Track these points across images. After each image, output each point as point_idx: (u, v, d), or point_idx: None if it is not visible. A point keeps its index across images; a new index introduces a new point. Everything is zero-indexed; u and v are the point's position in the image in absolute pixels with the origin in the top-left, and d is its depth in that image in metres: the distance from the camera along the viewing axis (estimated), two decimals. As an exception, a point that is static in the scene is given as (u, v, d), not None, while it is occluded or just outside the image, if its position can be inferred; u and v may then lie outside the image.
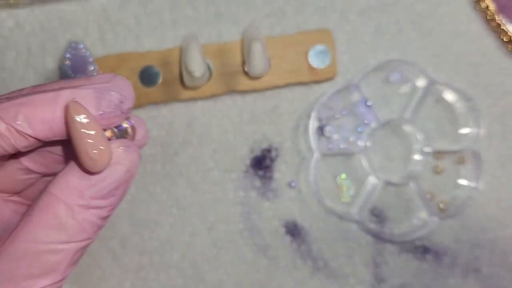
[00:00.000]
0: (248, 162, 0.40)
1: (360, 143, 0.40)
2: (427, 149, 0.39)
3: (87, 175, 0.21)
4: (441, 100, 0.40)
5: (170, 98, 0.38)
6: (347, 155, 0.40)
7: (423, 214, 0.40)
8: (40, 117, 0.20)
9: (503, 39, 0.40)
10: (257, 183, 0.40)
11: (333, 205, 0.40)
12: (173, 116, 0.39)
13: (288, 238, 0.40)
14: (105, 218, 0.22)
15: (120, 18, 0.39)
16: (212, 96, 0.39)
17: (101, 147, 0.20)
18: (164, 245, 0.39)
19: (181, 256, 0.39)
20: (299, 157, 0.40)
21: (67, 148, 0.24)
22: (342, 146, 0.40)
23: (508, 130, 0.40)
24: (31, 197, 0.28)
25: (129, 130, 0.23)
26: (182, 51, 0.38)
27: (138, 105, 0.38)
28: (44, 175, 0.27)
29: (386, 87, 0.40)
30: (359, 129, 0.40)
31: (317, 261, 0.40)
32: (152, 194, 0.39)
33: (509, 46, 0.40)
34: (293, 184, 0.40)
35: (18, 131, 0.20)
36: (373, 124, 0.39)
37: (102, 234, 0.39)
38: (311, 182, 0.39)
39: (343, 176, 0.40)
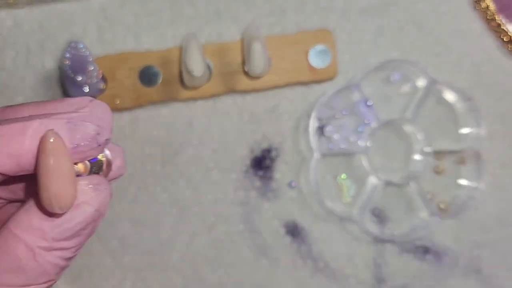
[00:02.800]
0: (248, 162, 0.40)
1: (361, 143, 0.40)
2: (428, 149, 0.40)
3: (52, 215, 0.19)
4: (441, 100, 0.40)
5: (170, 98, 0.38)
6: (347, 155, 0.40)
7: (424, 214, 0.40)
8: (7, 152, 0.18)
9: (503, 39, 0.40)
10: (257, 183, 0.40)
11: (333, 205, 0.40)
12: (173, 116, 0.39)
13: (288, 239, 0.40)
14: (69, 258, 0.20)
15: (119, 17, 0.39)
16: (212, 96, 0.39)
17: (66, 188, 0.19)
18: (164, 245, 0.39)
19: (181, 256, 0.39)
20: (299, 157, 0.40)
21: (32, 181, 0.21)
22: (342, 146, 0.40)
23: (508, 130, 0.40)
24: None
25: (104, 163, 0.21)
26: (182, 51, 0.38)
27: (137, 105, 0.38)
28: (10, 201, 0.24)
29: (386, 87, 0.40)
30: (359, 129, 0.40)
31: (317, 262, 0.40)
32: (152, 194, 0.39)
33: (509, 46, 0.40)
34: (293, 184, 0.40)
35: None
36: (374, 124, 0.39)
37: (102, 234, 0.39)
38: (311, 182, 0.39)
39: (344, 176, 0.40)
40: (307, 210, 0.40)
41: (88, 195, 0.20)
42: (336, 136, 0.40)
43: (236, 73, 0.38)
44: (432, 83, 0.39)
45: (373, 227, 0.40)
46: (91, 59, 0.36)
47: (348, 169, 0.40)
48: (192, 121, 0.39)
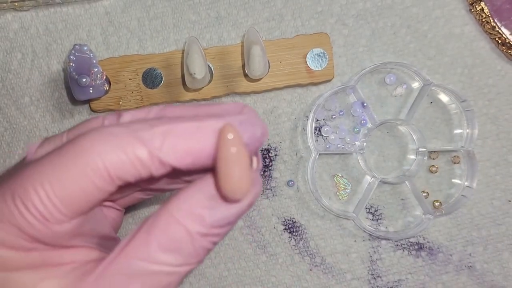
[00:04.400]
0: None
1: (357, 143, 0.40)
2: (422, 149, 0.40)
3: (213, 204, 0.20)
4: (436, 101, 0.40)
5: (172, 100, 0.38)
6: (344, 154, 0.40)
7: (418, 212, 0.40)
8: (185, 148, 0.19)
9: (497, 41, 0.40)
10: (257, 182, 0.40)
11: (330, 203, 0.40)
12: (175, 117, 0.39)
13: (286, 235, 0.40)
14: (216, 243, 0.21)
15: (123, 21, 0.39)
16: (213, 98, 0.39)
17: (246, 176, 0.20)
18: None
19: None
20: (297, 156, 0.40)
21: (188, 173, 0.22)
22: (339, 146, 0.40)
23: (501, 130, 0.40)
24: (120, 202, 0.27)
25: (255, 162, 0.22)
26: (184, 54, 0.38)
27: (141, 107, 0.38)
28: (151, 190, 0.26)
29: (382, 89, 0.40)
30: (355, 130, 0.40)
31: (314, 257, 0.40)
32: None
33: (503, 48, 0.40)
34: (291, 183, 0.40)
35: (161, 160, 0.19)
36: (369, 125, 0.40)
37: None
38: (309, 181, 0.39)
39: (340, 175, 0.40)
40: (304, 208, 0.40)
41: None
42: (333, 136, 0.40)
43: (236, 75, 0.38)
44: (427, 84, 0.39)
45: (368, 224, 0.40)
46: (95, 62, 0.36)
47: (344, 168, 0.40)
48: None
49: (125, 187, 0.21)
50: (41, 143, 0.23)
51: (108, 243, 0.25)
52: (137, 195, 0.28)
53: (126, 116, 0.22)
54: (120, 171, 0.19)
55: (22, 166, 0.22)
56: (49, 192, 0.19)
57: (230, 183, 0.20)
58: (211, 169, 0.21)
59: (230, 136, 0.19)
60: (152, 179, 0.21)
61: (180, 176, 0.25)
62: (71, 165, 0.19)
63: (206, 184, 0.21)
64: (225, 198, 0.20)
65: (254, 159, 0.23)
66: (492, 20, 0.40)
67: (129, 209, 0.40)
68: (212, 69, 0.38)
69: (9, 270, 0.20)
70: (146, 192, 0.27)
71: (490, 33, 0.40)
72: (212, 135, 0.20)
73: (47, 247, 0.21)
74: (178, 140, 0.20)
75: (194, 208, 0.20)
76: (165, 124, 0.20)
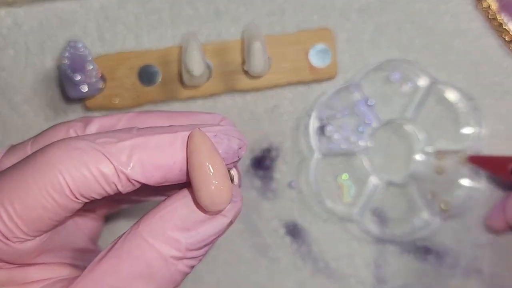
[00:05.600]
0: (248, 162, 0.39)
1: (361, 143, 0.40)
2: (429, 149, 0.40)
3: (188, 224, 0.19)
4: (442, 100, 0.40)
5: (169, 97, 0.38)
6: (348, 155, 0.40)
7: (425, 215, 0.40)
8: (155, 163, 0.19)
9: (504, 39, 0.40)
10: (257, 183, 0.40)
11: (333, 206, 0.40)
12: (173, 116, 0.39)
13: (288, 239, 0.40)
14: (193, 266, 0.21)
15: (119, 16, 0.39)
16: (212, 96, 0.39)
17: (224, 182, 0.19)
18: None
19: (180, 257, 0.39)
20: (299, 157, 0.40)
21: (155, 189, 0.22)
22: (343, 146, 0.40)
23: (509, 129, 0.40)
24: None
25: (234, 176, 0.21)
26: (181, 50, 0.38)
27: (137, 105, 0.38)
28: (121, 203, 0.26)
29: (386, 87, 0.40)
30: (360, 129, 0.40)
31: (317, 262, 0.40)
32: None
33: (511, 45, 0.40)
34: (293, 184, 0.40)
35: (128, 177, 0.19)
36: (374, 124, 0.39)
37: (101, 235, 0.39)
38: (312, 183, 0.39)
39: (344, 176, 0.40)
40: (307, 210, 0.40)
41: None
42: (336, 136, 0.40)
43: (236, 72, 0.38)
44: (433, 82, 0.39)
45: (373, 227, 0.40)
46: (90, 59, 0.36)
47: (348, 169, 0.40)
48: (191, 121, 0.39)
49: (95, 201, 0.20)
50: (5, 152, 0.23)
51: (84, 256, 0.24)
52: (115, 206, 0.27)
53: (94, 125, 0.22)
54: (83, 188, 0.19)
55: None
56: (9, 210, 0.18)
57: (208, 191, 0.19)
58: (185, 184, 0.20)
59: (200, 142, 0.18)
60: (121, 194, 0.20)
61: (155, 190, 0.24)
62: (31, 182, 0.18)
63: (180, 202, 0.20)
64: (204, 211, 0.19)
65: (233, 172, 0.22)
66: (499, 17, 0.39)
67: (123, 211, 0.39)
68: (211, 66, 0.38)
69: None
70: (123, 204, 0.26)
71: (497, 30, 0.40)
72: (183, 147, 0.19)
73: (12, 265, 0.20)
74: (147, 155, 0.19)
75: (168, 230, 0.19)
76: (134, 137, 0.19)
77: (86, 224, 0.27)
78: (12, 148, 0.23)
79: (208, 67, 0.38)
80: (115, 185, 0.19)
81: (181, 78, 0.38)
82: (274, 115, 0.40)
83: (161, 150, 0.19)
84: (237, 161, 0.21)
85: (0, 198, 0.19)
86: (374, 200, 0.39)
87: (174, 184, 0.20)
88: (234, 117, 0.39)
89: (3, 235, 0.19)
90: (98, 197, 0.19)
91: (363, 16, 0.40)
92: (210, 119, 0.22)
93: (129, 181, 0.19)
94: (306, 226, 0.40)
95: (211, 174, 0.18)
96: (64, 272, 0.22)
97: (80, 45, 0.36)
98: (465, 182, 0.40)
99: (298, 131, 0.40)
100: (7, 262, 0.20)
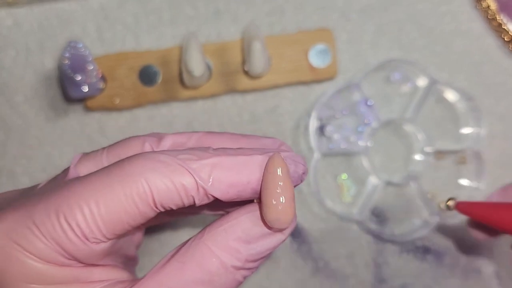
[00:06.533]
0: (248, 162, 0.39)
1: (361, 143, 0.39)
2: (428, 149, 0.39)
3: (249, 238, 0.21)
4: (442, 100, 0.40)
5: (169, 98, 0.38)
6: (347, 155, 0.40)
7: (424, 214, 0.40)
8: (231, 181, 0.20)
9: (504, 39, 0.40)
10: (257, 183, 0.39)
11: (333, 205, 0.40)
12: (173, 116, 0.39)
13: (288, 238, 0.40)
14: (246, 277, 0.22)
15: (119, 17, 0.39)
16: (212, 96, 0.39)
17: (291, 205, 0.21)
18: (164, 246, 0.39)
19: (180, 257, 0.39)
20: (299, 157, 0.40)
21: (226, 204, 0.24)
22: (342, 146, 0.39)
23: (509, 129, 0.40)
24: None
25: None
26: (181, 50, 0.37)
27: (137, 105, 0.38)
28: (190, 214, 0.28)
29: (386, 87, 0.40)
30: (359, 129, 0.40)
31: (317, 262, 0.40)
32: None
33: (510, 45, 0.40)
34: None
35: (206, 192, 0.20)
36: (374, 124, 0.39)
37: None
38: (312, 182, 0.39)
39: (344, 176, 0.40)
40: (307, 210, 0.40)
41: None
42: (336, 136, 0.39)
43: (236, 72, 0.38)
44: (433, 82, 0.39)
45: (373, 227, 0.40)
46: (90, 59, 0.36)
47: (348, 169, 0.40)
48: (192, 121, 0.39)
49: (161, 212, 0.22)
50: (79, 159, 0.24)
51: (130, 262, 0.26)
52: (169, 218, 0.29)
53: (167, 140, 0.24)
54: (164, 199, 0.20)
55: (65, 182, 0.22)
56: (94, 211, 0.20)
57: (276, 211, 0.20)
58: (246, 202, 0.22)
59: (279, 165, 0.20)
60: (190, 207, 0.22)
61: (217, 206, 0.26)
62: (118, 188, 0.20)
63: (244, 216, 0.21)
64: (268, 227, 0.21)
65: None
66: (498, 17, 0.39)
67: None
68: (211, 66, 0.38)
69: (44, 284, 0.21)
70: (179, 216, 0.28)
71: (496, 30, 0.40)
72: (259, 169, 0.21)
73: (81, 264, 0.21)
74: (225, 173, 0.20)
75: (232, 242, 0.21)
76: (212, 156, 0.21)
77: (135, 234, 0.29)
78: (86, 155, 0.24)
79: (208, 67, 0.38)
80: (193, 198, 0.20)
81: (181, 78, 0.37)
82: (274, 115, 0.40)
83: (237, 170, 0.20)
84: (298, 184, 0.23)
85: (86, 198, 0.20)
86: (373, 200, 0.39)
87: (233, 202, 0.22)
88: (234, 117, 0.39)
89: (84, 234, 0.20)
90: (174, 208, 0.21)
91: (364, 16, 0.39)
92: (270, 143, 0.24)
93: (206, 195, 0.20)
94: (306, 226, 0.40)
95: (282, 194, 0.20)
96: (119, 274, 0.23)
97: (80, 45, 0.36)
98: (464, 182, 0.40)
99: (298, 131, 0.40)
100: (79, 261, 0.21)
